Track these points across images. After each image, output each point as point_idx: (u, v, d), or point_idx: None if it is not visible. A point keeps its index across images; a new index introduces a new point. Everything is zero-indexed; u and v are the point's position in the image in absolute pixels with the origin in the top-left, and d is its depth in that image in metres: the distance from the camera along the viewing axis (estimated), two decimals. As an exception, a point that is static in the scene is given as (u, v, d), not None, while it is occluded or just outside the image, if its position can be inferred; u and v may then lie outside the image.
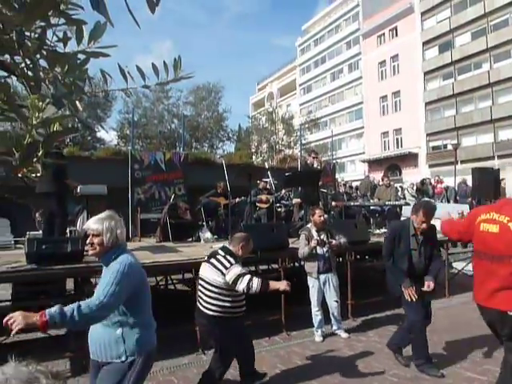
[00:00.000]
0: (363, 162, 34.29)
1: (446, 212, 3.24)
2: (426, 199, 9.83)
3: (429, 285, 3.59)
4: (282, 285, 2.95)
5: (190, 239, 6.41)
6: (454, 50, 26.96)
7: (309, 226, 4.36)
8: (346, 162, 37.04)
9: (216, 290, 3.09)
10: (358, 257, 6.83)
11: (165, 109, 24.82)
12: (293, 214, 7.19)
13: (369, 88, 33.59)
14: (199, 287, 3.24)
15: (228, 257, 3.15)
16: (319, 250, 4.21)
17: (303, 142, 20.88)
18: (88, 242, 2.17)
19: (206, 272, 3.17)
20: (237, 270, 3.02)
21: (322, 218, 4.19)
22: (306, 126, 28.63)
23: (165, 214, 6.48)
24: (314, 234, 4.21)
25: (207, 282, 3.15)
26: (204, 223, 6.66)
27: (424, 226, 3.53)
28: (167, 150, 19.19)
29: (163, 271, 5.42)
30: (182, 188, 8.40)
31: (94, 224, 2.17)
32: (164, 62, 1.49)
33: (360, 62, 34.97)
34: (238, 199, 6.76)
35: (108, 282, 1.98)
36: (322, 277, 4.28)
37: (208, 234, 6.26)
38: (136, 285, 2.09)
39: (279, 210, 7.24)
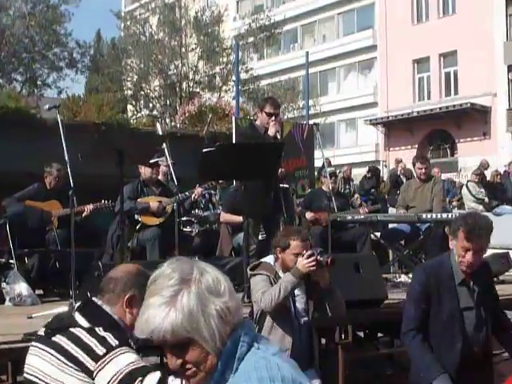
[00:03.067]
0: (374, 124, 24.17)
1: None
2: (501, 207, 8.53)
3: None
4: None
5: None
6: None
7: (268, 260, 3.38)
8: (337, 123, 26.37)
9: None
10: (362, 335, 5.16)
11: None
12: (219, 241, 5.61)
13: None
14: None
15: (99, 333, 1.94)
16: (299, 313, 3.28)
17: (244, 77, 14.47)
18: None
19: (43, 367, 2.00)
20: (122, 365, 1.87)
21: (306, 256, 3.16)
22: (251, 40, 18.36)
23: None
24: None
25: None
26: (12, 261, 4.86)
27: (468, 258, 2.72)
28: None
29: None
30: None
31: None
32: None
33: None
34: (90, 206, 5.29)
35: None
36: None
37: (21, 287, 4.48)
38: None
39: (188, 230, 5.86)
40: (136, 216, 5.23)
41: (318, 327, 3.61)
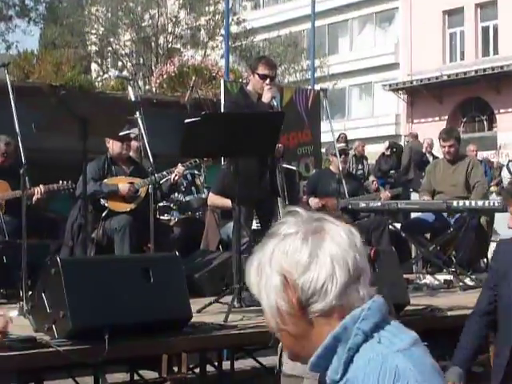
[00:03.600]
0: (394, 90, 24.53)
1: None
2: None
3: None
4: None
5: None
6: None
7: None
8: (349, 89, 27.05)
9: None
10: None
11: None
12: (203, 232, 6.12)
13: None
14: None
15: None
16: None
17: (235, 30, 15.41)
18: None
19: None
20: None
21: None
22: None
23: None
24: None
25: None
26: None
27: None
28: None
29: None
30: None
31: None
32: None
33: None
34: (41, 188, 5.49)
35: None
36: None
37: None
38: None
39: (166, 218, 6.29)
40: (102, 201, 5.36)
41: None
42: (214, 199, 5.87)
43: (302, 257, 1.18)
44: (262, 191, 4.98)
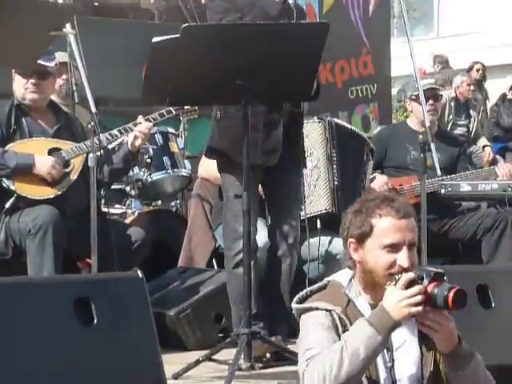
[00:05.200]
0: None
1: None
2: None
3: None
4: None
5: None
6: None
7: (342, 277, 3.83)
8: None
9: None
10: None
11: None
12: (185, 235, 6.62)
13: None
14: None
15: None
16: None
17: None
18: None
19: None
20: None
21: (403, 284, 3.52)
22: None
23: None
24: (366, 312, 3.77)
25: None
26: None
27: None
28: None
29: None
30: None
31: None
32: None
33: None
34: None
35: None
36: None
37: None
38: None
39: (118, 211, 7.12)
40: (5, 182, 5.56)
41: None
42: (209, 168, 6.07)
43: None
44: (273, 156, 5.38)
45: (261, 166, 5.56)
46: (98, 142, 5.48)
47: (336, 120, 7.29)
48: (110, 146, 6.00)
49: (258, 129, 5.39)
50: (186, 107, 6.31)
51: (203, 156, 6.17)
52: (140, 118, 5.95)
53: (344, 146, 7.21)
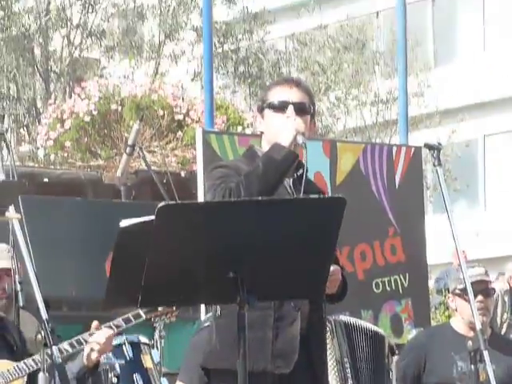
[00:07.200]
0: None
1: None
2: None
3: None
4: None
5: None
6: None
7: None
8: (483, 141, 28.64)
9: None
10: None
11: None
12: None
13: None
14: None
15: None
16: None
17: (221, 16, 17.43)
18: None
19: None
20: None
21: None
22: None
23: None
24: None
25: None
26: None
27: None
28: None
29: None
30: None
31: None
32: None
33: None
34: None
35: None
36: None
37: None
38: None
39: None
40: None
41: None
42: None
43: None
44: (284, 361, 5.10)
45: (272, 373, 5.11)
46: (51, 357, 4.98)
47: (344, 318, 7.39)
48: (62, 361, 5.37)
49: (267, 325, 5.12)
50: (160, 308, 6.07)
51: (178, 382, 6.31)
52: (95, 325, 5.77)
53: (358, 348, 7.39)
